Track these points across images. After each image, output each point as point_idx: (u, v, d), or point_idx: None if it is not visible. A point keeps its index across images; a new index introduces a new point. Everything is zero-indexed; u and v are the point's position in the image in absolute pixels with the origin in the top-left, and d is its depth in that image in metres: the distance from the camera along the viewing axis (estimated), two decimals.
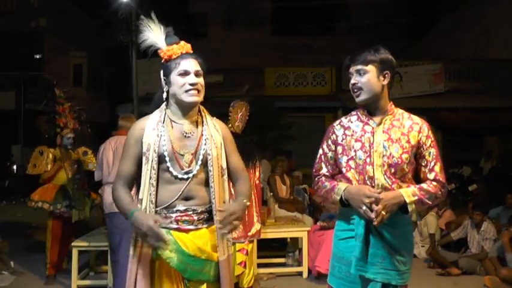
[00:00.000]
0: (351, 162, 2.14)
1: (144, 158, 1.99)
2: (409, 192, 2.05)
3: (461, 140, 12.66)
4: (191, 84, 1.98)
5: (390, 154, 2.08)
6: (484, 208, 5.66)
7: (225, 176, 2.08)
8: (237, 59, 14.72)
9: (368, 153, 2.11)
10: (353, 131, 2.18)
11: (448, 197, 6.89)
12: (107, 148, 4.20)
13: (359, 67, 2.12)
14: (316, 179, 2.29)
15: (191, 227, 1.99)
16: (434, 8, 15.72)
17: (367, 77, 2.11)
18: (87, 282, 4.82)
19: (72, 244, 4.68)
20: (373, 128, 2.14)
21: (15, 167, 13.94)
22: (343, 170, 2.17)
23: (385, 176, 2.08)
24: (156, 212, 1.96)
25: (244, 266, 4.04)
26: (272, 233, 5.05)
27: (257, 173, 4.15)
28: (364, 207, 2.01)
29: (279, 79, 13.67)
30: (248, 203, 2.06)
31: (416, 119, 2.18)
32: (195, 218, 2.00)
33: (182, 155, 2.00)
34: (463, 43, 15.33)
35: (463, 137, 12.61)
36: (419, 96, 12.80)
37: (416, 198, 2.05)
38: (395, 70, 2.19)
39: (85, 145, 5.35)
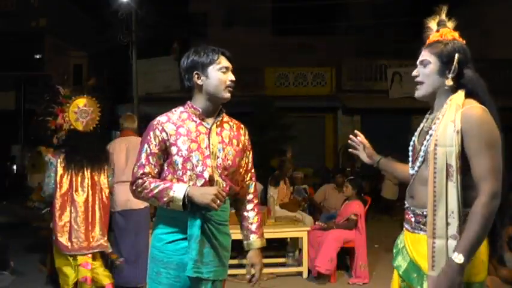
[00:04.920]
0: None
1: None
2: None
3: None
4: None
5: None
6: None
7: (454, 178, 1.70)
8: (237, 59, 14.66)
9: None
10: None
11: None
12: (117, 149, 4.35)
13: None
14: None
15: (408, 227, 1.89)
16: (434, 8, 15.72)
17: None
18: None
19: None
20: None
21: (15, 167, 13.95)
22: None
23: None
24: None
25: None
26: (272, 233, 5.04)
27: None
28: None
29: (279, 79, 13.67)
30: None
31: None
32: (413, 219, 1.86)
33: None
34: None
35: None
36: None
37: None
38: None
39: None
